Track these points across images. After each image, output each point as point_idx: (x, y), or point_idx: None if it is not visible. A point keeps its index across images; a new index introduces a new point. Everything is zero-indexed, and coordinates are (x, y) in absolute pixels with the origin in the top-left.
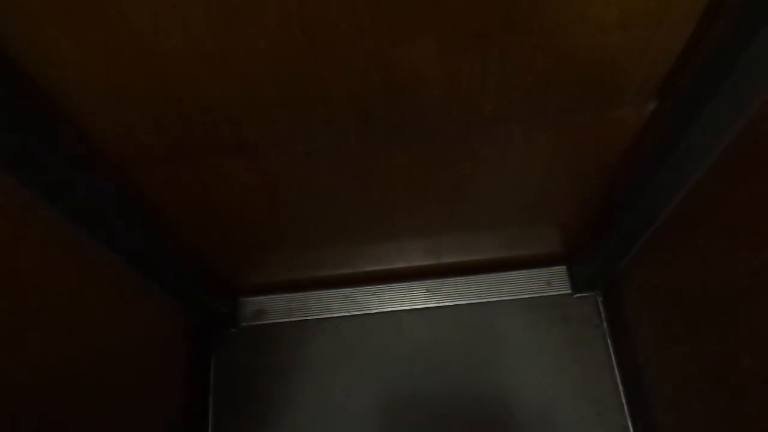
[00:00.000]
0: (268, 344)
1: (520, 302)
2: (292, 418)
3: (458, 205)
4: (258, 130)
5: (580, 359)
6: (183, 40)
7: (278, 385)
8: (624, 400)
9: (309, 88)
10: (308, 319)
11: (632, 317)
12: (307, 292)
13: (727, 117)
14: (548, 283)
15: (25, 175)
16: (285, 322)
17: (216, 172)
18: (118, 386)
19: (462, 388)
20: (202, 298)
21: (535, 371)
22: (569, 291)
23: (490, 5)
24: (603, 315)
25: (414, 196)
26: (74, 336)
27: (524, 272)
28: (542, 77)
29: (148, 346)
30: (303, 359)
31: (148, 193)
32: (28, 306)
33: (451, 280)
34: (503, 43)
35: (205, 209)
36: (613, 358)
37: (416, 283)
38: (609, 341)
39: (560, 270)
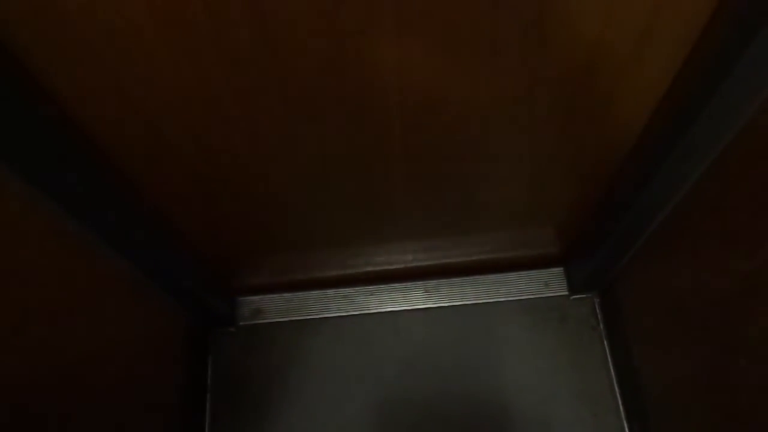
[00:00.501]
0: (266, 344)
1: (517, 303)
2: (289, 418)
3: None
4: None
5: (576, 360)
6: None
7: (276, 384)
8: (620, 402)
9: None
10: (306, 319)
11: (629, 319)
12: (305, 292)
13: (725, 118)
14: (546, 284)
15: (25, 173)
16: (283, 321)
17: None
18: (115, 384)
19: (459, 389)
20: (201, 297)
21: (531, 372)
22: (566, 293)
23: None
24: (600, 316)
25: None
26: (73, 334)
27: (522, 274)
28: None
29: (146, 345)
30: (301, 359)
31: (148, 192)
32: (27, 304)
33: (449, 280)
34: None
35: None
36: (610, 360)
37: (414, 284)
38: (606, 343)
39: (558, 272)
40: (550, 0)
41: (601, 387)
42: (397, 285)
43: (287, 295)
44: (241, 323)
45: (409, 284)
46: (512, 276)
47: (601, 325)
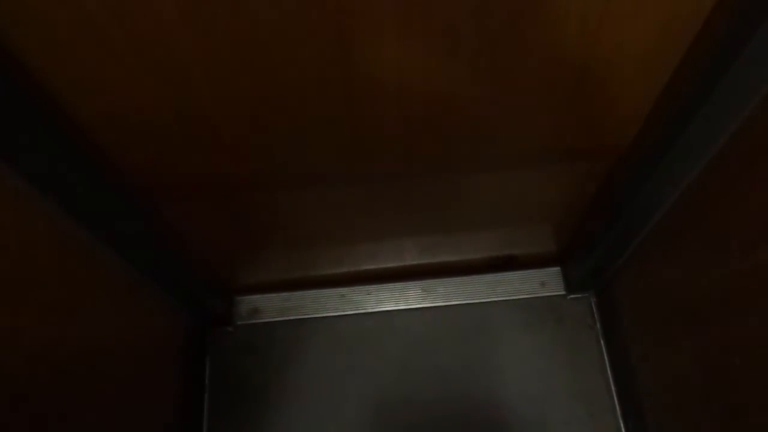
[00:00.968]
0: (264, 343)
1: (514, 303)
2: (286, 417)
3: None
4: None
5: (573, 360)
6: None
7: (274, 383)
8: (616, 401)
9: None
10: (303, 318)
11: (626, 318)
12: (302, 291)
13: (722, 117)
14: (542, 284)
15: (25, 171)
16: (280, 320)
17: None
18: (113, 383)
19: (456, 388)
20: (198, 297)
21: (528, 371)
22: (563, 292)
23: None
24: (596, 316)
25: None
26: (71, 332)
27: (518, 273)
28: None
29: (143, 344)
30: (298, 358)
31: (146, 191)
32: (26, 302)
33: (446, 280)
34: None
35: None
36: (606, 359)
37: (411, 283)
38: (602, 342)
39: (554, 271)
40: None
41: (598, 386)
42: (394, 284)
43: (285, 295)
44: (238, 322)
45: (406, 284)
46: (509, 275)
47: (598, 325)
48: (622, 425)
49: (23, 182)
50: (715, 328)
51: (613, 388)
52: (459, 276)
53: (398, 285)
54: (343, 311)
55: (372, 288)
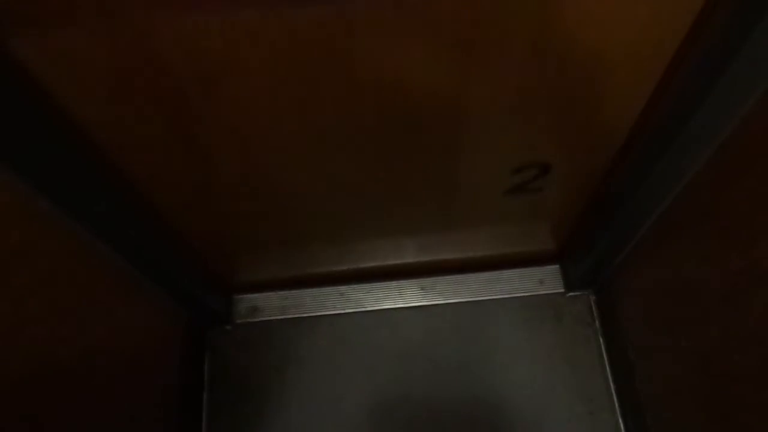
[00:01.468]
0: (263, 341)
1: (513, 301)
2: (285, 415)
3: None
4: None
5: (572, 357)
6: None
7: (272, 382)
8: (615, 398)
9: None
10: (302, 317)
11: (624, 316)
12: (301, 290)
13: (721, 116)
14: (541, 281)
15: (24, 170)
16: (279, 319)
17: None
18: (112, 382)
19: (455, 386)
20: (198, 296)
21: (527, 369)
22: (562, 290)
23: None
24: (595, 313)
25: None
26: (70, 331)
27: (517, 271)
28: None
29: (142, 342)
30: (297, 356)
31: (144, 188)
32: (25, 300)
33: (445, 278)
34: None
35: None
36: (605, 357)
37: (410, 281)
38: (601, 339)
39: (553, 269)
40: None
41: (597, 384)
42: (393, 282)
43: (284, 293)
44: (237, 321)
45: (405, 282)
46: (508, 273)
47: (597, 323)
48: (621, 423)
49: (23, 182)
50: (715, 326)
51: (612, 385)
52: (458, 274)
53: (397, 283)
54: (343, 309)
55: (371, 286)
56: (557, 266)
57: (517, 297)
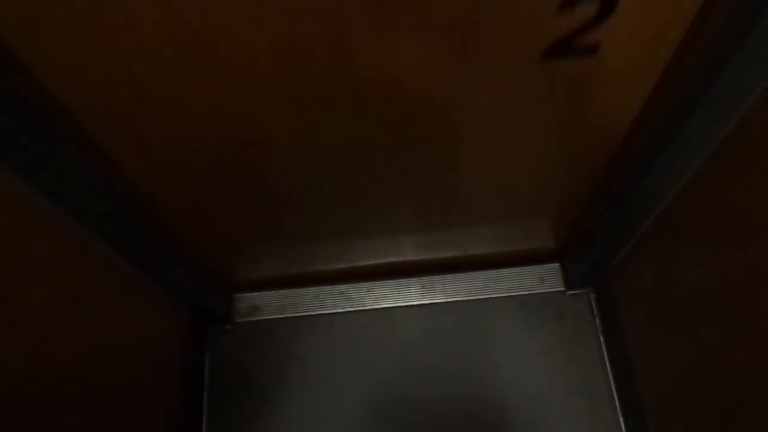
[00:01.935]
0: (263, 340)
1: (513, 299)
2: (286, 414)
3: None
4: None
5: (572, 356)
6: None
7: (272, 381)
8: (616, 396)
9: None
10: (302, 316)
11: (625, 314)
12: (301, 289)
13: (721, 114)
14: (541, 280)
15: (23, 168)
16: (279, 318)
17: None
18: (112, 381)
19: (455, 385)
20: (198, 295)
21: (527, 367)
22: (562, 288)
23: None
24: (596, 312)
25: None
26: (69, 330)
27: (518, 269)
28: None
29: (142, 342)
30: (297, 355)
31: (144, 187)
32: (24, 299)
33: (445, 276)
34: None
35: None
36: (606, 355)
37: (410, 280)
38: (601, 338)
39: (553, 267)
40: None
41: (597, 382)
42: (393, 281)
43: (283, 292)
44: (237, 320)
45: (405, 280)
46: (508, 272)
47: (598, 321)
48: (621, 421)
49: (23, 181)
50: (716, 324)
51: (612, 383)
52: (458, 272)
53: (397, 282)
54: (343, 308)
55: (371, 285)
56: (557, 264)
57: (518, 295)
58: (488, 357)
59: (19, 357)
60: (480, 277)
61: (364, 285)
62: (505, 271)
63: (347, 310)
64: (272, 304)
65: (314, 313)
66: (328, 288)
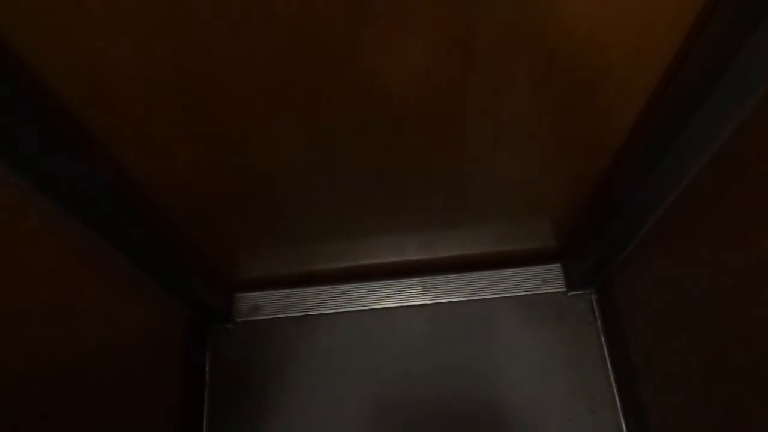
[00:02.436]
0: (264, 340)
1: (515, 299)
2: (287, 413)
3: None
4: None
5: (574, 356)
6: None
7: (273, 380)
8: (617, 398)
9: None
10: (304, 315)
11: (626, 315)
12: (302, 288)
13: (723, 115)
14: (543, 280)
15: (22, 167)
16: (280, 317)
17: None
18: (112, 380)
19: (456, 385)
20: (199, 294)
21: (529, 368)
22: (564, 289)
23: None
24: (597, 313)
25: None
26: (71, 330)
27: (519, 270)
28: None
29: (143, 341)
30: (298, 355)
31: (145, 186)
32: (25, 299)
33: (446, 276)
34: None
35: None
36: (607, 356)
37: (412, 280)
38: (603, 339)
39: (555, 268)
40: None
41: (599, 383)
42: (394, 281)
43: (285, 292)
44: (239, 320)
45: (406, 280)
46: (510, 272)
47: (599, 322)
48: (622, 422)
49: (23, 182)
50: (717, 325)
51: (613, 384)
52: (459, 273)
53: (399, 282)
54: (344, 308)
55: (372, 285)
56: (559, 265)
57: (519, 296)
58: (489, 357)
59: (19, 357)
60: (481, 277)
61: (366, 285)
62: (506, 272)
63: (348, 310)
64: (273, 304)
65: (315, 312)
66: (329, 288)
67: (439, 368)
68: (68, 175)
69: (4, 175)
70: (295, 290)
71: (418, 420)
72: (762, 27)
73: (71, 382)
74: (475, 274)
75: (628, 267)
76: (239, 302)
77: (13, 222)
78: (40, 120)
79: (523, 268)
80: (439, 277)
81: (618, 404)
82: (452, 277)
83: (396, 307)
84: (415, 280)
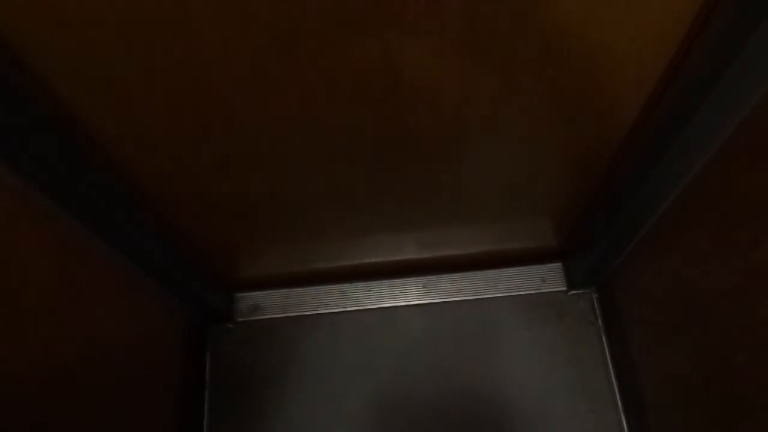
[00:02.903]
0: (264, 340)
1: (515, 299)
2: (287, 413)
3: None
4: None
5: (574, 356)
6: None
7: (274, 380)
8: (618, 397)
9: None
10: (304, 315)
11: (627, 314)
12: (302, 288)
13: (724, 112)
14: (543, 280)
15: (22, 167)
16: (280, 317)
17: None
18: (113, 381)
19: (456, 384)
20: (199, 293)
21: (529, 367)
22: (564, 288)
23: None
24: (598, 312)
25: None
26: (71, 330)
27: (520, 269)
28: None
29: (143, 341)
30: (298, 355)
31: (145, 186)
32: (25, 300)
33: (446, 276)
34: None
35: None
36: (608, 355)
37: (412, 279)
38: (603, 338)
39: (556, 267)
40: None
41: (599, 382)
42: (394, 281)
43: (285, 291)
44: (239, 319)
45: (406, 280)
46: (510, 271)
47: (600, 321)
48: (623, 421)
49: (23, 182)
50: (718, 325)
51: (614, 383)
52: (460, 272)
53: (399, 281)
54: (344, 307)
55: (372, 284)
56: (560, 264)
57: (520, 295)
58: (490, 357)
59: (18, 357)
60: (481, 276)
61: (366, 284)
62: (506, 271)
63: (348, 309)
64: (273, 304)
65: (315, 312)
66: (329, 287)
67: (439, 368)
68: (69, 177)
69: (4, 177)
70: (295, 290)
71: (418, 419)
72: (762, 27)
73: (70, 382)
74: (475, 273)
75: (629, 266)
76: (239, 302)
77: (12, 222)
78: (40, 120)
79: (524, 268)
80: (440, 277)
81: (619, 403)
82: (452, 276)
83: (396, 306)
84: (415, 279)
